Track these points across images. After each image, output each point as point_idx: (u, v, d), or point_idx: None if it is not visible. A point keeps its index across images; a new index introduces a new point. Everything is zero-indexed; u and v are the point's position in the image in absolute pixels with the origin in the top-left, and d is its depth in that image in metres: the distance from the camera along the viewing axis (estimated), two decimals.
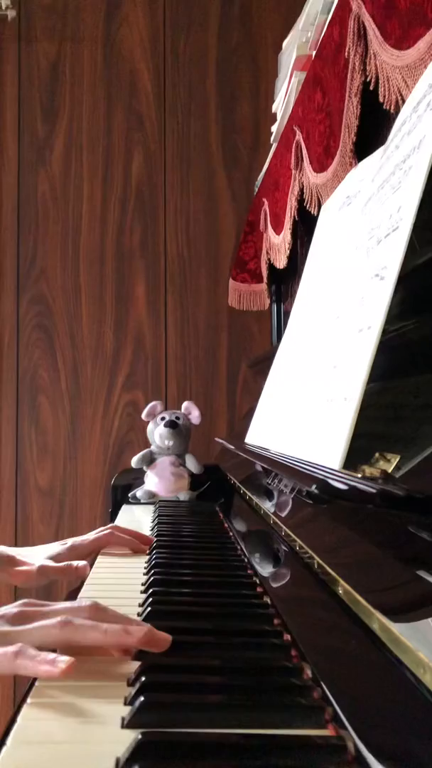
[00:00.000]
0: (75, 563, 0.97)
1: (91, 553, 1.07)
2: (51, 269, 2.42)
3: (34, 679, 0.57)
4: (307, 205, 1.36)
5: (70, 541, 1.07)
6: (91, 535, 1.10)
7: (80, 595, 0.84)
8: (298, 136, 1.40)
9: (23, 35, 2.46)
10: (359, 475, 0.63)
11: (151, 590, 0.80)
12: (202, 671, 0.57)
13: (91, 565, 0.99)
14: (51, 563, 0.97)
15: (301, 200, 1.41)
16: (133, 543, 1.10)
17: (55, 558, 1.00)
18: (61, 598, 0.99)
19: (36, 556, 1.00)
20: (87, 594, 0.85)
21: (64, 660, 0.56)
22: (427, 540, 0.49)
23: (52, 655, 0.57)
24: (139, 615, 0.71)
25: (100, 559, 1.06)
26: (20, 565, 0.96)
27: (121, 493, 1.84)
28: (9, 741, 0.47)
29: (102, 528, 1.13)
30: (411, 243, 0.68)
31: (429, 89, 0.74)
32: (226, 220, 2.45)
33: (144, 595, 0.80)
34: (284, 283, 2.02)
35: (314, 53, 1.31)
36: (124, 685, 0.55)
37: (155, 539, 1.14)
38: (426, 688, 0.40)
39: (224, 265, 2.40)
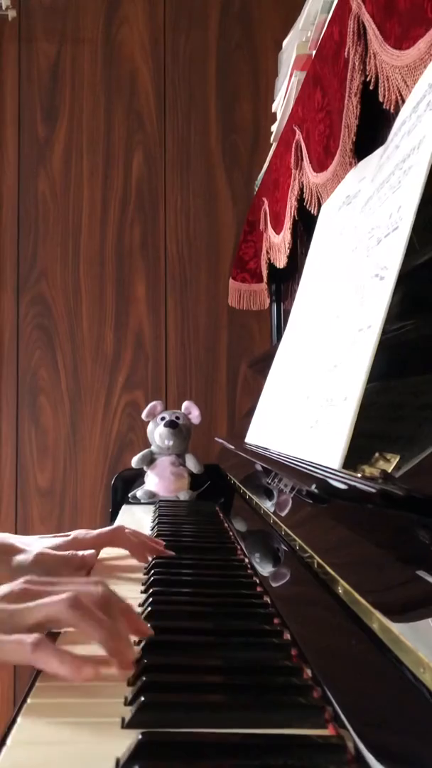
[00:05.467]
0: (81, 552, 0.94)
1: (92, 548, 1.01)
2: (51, 269, 2.42)
3: (35, 679, 0.57)
4: (307, 205, 1.36)
5: (73, 534, 1.02)
6: (95, 531, 1.04)
7: None
8: (298, 136, 1.40)
9: (23, 35, 2.46)
10: (359, 475, 0.63)
11: (151, 590, 0.80)
12: (202, 671, 0.57)
13: None
14: (49, 551, 0.93)
15: (301, 200, 1.41)
16: (138, 548, 1.02)
17: (56, 549, 0.96)
18: None
19: (35, 545, 0.97)
20: None
21: (89, 666, 0.54)
22: (427, 540, 0.49)
23: (75, 654, 0.55)
24: (139, 615, 0.71)
25: (100, 557, 1.05)
26: (18, 554, 0.93)
27: (121, 493, 1.84)
28: (9, 741, 0.47)
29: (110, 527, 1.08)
30: (411, 243, 0.68)
31: (429, 89, 0.74)
32: (226, 220, 2.44)
33: (144, 595, 0.80)
34: (284, 282, 2.02)
35: (314, 53, 1.31)
36: (124, 685, 0.55)
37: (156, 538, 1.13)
38: (426, 687, 0.40)
39: (224, 265, 2.40)
